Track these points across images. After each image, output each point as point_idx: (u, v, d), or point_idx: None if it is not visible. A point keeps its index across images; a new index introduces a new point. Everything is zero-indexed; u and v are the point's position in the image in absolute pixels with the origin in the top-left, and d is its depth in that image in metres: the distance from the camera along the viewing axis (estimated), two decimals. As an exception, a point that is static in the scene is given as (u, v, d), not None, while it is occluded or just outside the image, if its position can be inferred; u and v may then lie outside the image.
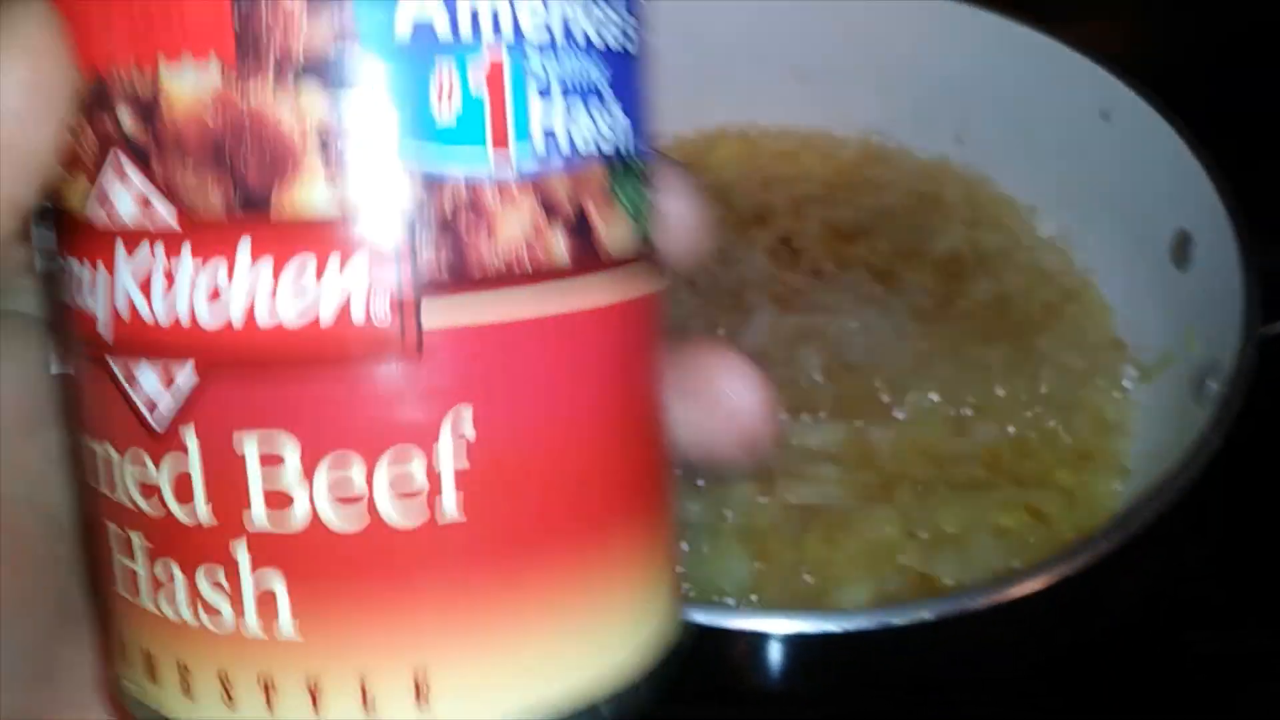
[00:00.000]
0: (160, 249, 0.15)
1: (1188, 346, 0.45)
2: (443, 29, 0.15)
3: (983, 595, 0.34)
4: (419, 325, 0.15)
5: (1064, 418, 0.47)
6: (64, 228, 0.16)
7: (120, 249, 0.15)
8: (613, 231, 0.17)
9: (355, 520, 0.15)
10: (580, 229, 0.16)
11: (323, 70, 0.14)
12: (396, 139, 0.15)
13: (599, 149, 0.16)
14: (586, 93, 0.16)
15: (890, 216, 0.55)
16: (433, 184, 0.15)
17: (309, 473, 0.15)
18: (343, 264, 0.15)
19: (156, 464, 0.16)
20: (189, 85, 0.15)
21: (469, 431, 0.15)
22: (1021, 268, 0.53)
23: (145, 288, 0.15)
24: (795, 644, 0.34)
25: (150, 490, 0.16)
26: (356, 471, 0.15)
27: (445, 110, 0.15)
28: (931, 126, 0.57)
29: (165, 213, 0.15)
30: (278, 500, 0.15)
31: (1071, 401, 0.48)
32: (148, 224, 0.15)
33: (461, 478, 0.15)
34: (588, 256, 0.16)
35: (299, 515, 0.15)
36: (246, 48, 0.14)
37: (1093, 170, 0.52)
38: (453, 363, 0.15)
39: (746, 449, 0.20)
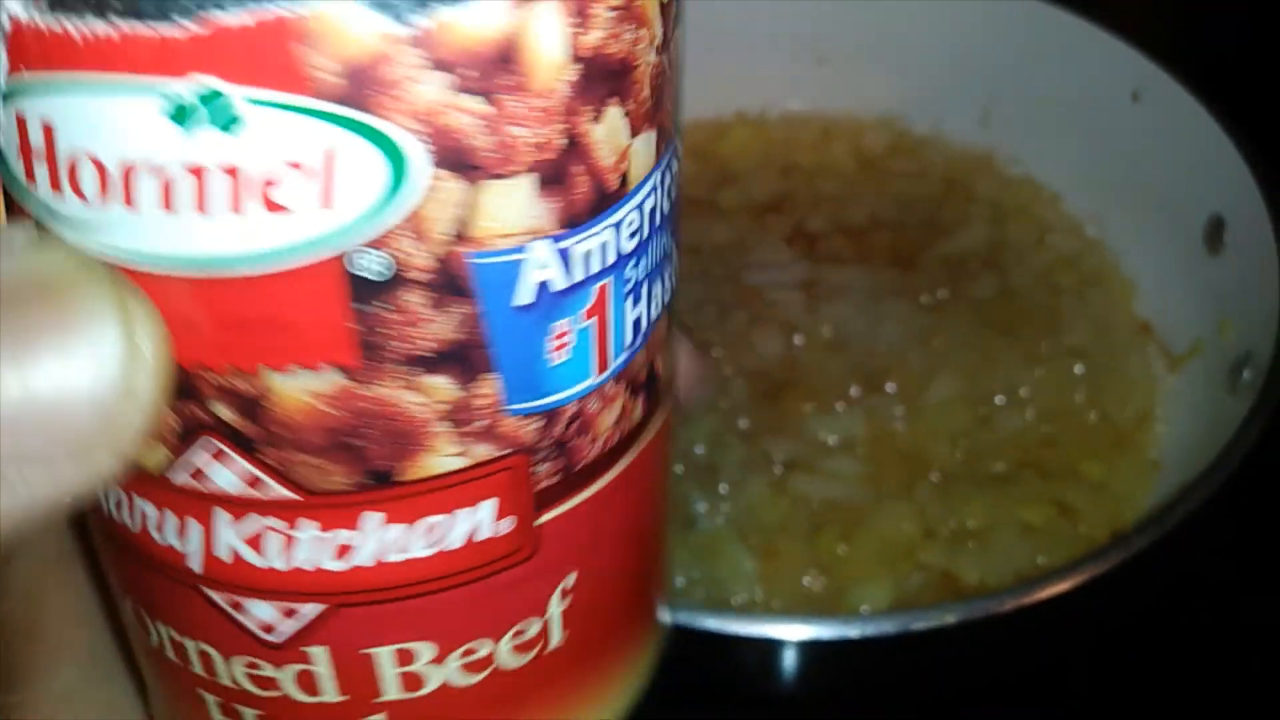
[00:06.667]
0: (275, 518, 0.15)
1: (1221, 335, 0.44)
2: (559, 281, 0.14)
3: (1010, 597, 0.32)
4: (535, 528, 0.16)
5: (1090, 407, 0.46)
6: (130, 476, 0.16)
7: (220, 513, 0.15)
8: (668, 361, 0.17)
9: (478, 675, 0.17)
10: (650, 381, 0.17)
11: (449, 357, 0.14)
12: (519, 391, 0.15)
13: (664, 303, 0.16)
14: (662, 262, 0.16)
15: (914, 204, 0.54)
16: (547, 415, 0.15)
17: (442, 659, 0.16)
18: (471, 509, 0.15)
19: (277, 666, 0.16)
20: (301, 386, 0.14)
21: (575, 585, 0.17)
22: (1046, 254, 0.52)
23: (255, 544, 0.15)
24: (813, 650, 0.33)
25: (268, 683, 0.17)
26: (484, 647, 0.17)
27: (560, 354, 0.15)
28: (955, 108, 0.55)
29: (280, 490, 0.15)
30: (412, 682, 0.16)
31: (1098, 390, 0.47)
32: (257, 495, 0.15)
33: (567, 615, 0.17)
34: (654, 400, 0.17)
35: (430, 686, 0.17)
36: (369, 353, 0.14)
37: (1122, 153, 0.50)
38: (560, 542, 0.16)
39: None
